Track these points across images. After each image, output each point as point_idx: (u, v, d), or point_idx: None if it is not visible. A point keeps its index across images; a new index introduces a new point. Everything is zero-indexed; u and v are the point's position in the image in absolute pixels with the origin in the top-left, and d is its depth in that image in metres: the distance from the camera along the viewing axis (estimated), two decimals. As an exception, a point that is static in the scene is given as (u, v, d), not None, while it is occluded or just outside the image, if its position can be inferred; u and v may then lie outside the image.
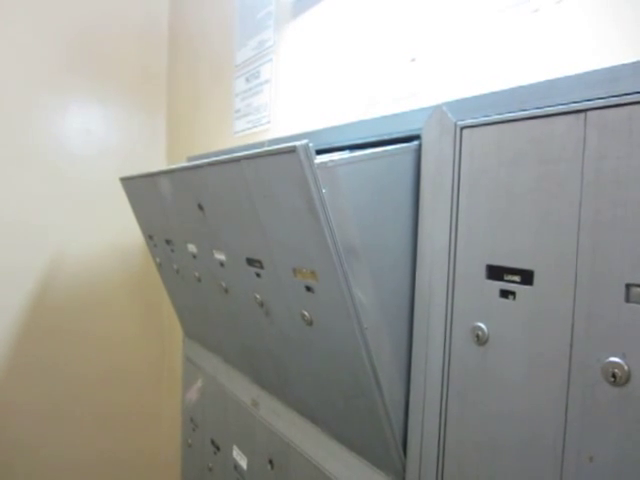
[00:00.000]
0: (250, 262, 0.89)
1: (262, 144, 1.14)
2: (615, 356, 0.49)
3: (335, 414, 0.86)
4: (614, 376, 0.49)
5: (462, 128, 0.65)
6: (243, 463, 1.25)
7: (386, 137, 0.78)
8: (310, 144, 0.61)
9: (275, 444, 1.09)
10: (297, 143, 0.61)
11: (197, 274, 1.20)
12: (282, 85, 1.23)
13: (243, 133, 1.44)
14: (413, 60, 0.83)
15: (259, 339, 1.02)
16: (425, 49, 0.82)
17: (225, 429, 1.36)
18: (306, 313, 0.77)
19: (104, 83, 1.90)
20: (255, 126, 1.38)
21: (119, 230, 1.93)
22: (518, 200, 0.58)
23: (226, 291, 1.07)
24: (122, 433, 2.01)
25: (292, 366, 0.92)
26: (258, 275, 0.88)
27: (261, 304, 0.92)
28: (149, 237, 1.44)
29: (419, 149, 0.71)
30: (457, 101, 0.65)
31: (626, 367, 0.49)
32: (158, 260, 1.48)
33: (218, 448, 1.40)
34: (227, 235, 0.94)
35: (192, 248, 1.15)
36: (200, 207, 0.99)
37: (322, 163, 0.63)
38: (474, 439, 0.64)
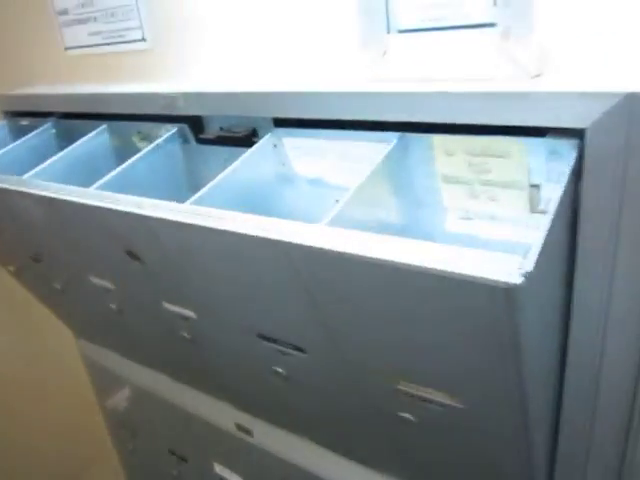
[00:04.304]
0: (269, 339, 0.56)
1: (171, 100, 0.69)
2: None
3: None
4: None
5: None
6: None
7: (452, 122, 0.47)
8: (530, 270, 0.30)
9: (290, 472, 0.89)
10: (509, 279, 0.29)
11: (114, 307, 0.81)
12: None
13: (85, 51, 0.91)
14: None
15: (265, 388, 0.74)
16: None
17: (190, 444, 1.11)
18: (409, 416, 0.52)
19: None
20: (111, 43, 0.86)
21: None
22: None
23: (191, 341, 0.72)
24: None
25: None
26: (283, 353, 0.57)
27: (285, 378, 0.62)
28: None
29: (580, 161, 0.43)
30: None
31: None
32: (12, 269, 1.00)
33: (184, 459, 1.16)
34: (210, 300, 0.58)
35: (103, 283, 0.75)
36: (133, 255, 0.59)
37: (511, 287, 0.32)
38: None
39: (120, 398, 1.23)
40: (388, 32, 0.55)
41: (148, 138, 0.80)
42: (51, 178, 0.70)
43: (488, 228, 0.55)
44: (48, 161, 0.75)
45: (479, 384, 0.41)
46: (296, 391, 0.64)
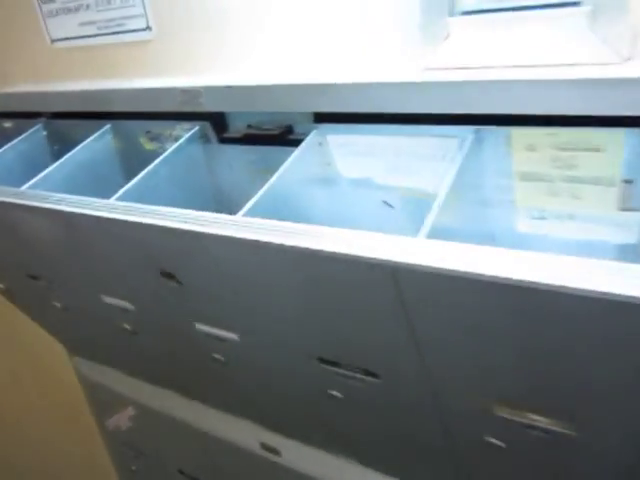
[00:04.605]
0: (332, 363, 0.50)
1: (192, 95, 0.61)
2: None
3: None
4: None
5: None
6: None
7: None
8: None
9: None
10: None
11: (129, 327, 0.73)
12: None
13: (75, 43, 0.81)
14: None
15: (309, 406, 0.68)
16: None
17: (204, 464, 1.04)
18: (497, 442, 0.47)
19: None
20: (108, 33, 0.77)
21: None
22: None
23: (224, 363, 0.66)
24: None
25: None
26: (347, 377, 0.51)
27: (341, 401, 0.56)
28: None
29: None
30: None
31: None
32: (3, 286, 0.91)
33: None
34: (263, 322, 0.52)
35: (119, 303, 0.67)
36: (167, 275, 0.51)
37: None
38: None
39: (123, 417, 1.14)
40: (451, 15, 0.49)
41: (159, 139, 0.72)
42: (53, 188, 0.62)
43: (564, 228, 0.50)
44: (49, 168, 0.66)
45: (609, 412, 0.36)
46: (351, 412, 0.58)
